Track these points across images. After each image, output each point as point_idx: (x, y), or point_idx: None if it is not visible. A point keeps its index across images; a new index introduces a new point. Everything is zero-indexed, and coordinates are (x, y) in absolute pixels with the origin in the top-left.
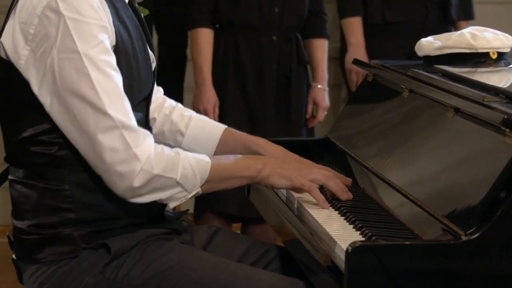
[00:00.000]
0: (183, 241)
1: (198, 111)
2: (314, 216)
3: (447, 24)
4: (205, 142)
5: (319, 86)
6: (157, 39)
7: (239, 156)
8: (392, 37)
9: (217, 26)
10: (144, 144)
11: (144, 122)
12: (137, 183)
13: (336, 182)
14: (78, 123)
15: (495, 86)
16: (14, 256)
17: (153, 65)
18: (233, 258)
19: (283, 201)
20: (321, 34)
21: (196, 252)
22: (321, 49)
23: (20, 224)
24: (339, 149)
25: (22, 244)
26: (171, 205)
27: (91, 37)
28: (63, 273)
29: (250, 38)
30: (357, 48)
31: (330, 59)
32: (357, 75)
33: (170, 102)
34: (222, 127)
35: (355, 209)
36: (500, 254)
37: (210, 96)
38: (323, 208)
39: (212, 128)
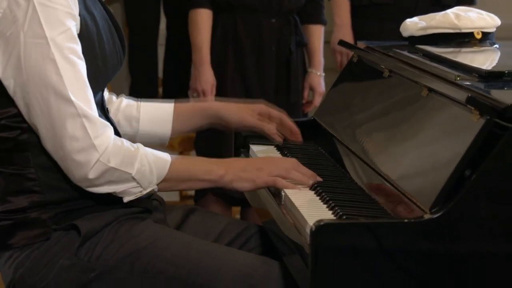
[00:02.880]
0: (155, 220)
1: (196, 91)
2: (289, 196)
3: (441, 9)
4: (160, 120)
5: (315, 72)
6: (165, 21)
7: (203, 159)
8: (380, 19)
9: (216, 7)
10: (104, 135)
11: (101, 105)
12: (92, 174)
13: (300, 171)
14: (40, 108)
15: (469, 65)
16: None
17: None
18: (210, 238)
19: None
20: (318, 20)
21: (169, 231)
22: (317, 35)
23: None
24: (324, 130)
25: None
26: (125, 199)
27: (59, 24)
28: (36, 256)
29: (249, 20)
30: (342, 28)
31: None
32: (341, 55)
33: (116, 97)
34: (171, 102)
35: (332, 189)
36: (464, 233)
37: (208, 76)
38: (295, 189)
39: (163, 106)
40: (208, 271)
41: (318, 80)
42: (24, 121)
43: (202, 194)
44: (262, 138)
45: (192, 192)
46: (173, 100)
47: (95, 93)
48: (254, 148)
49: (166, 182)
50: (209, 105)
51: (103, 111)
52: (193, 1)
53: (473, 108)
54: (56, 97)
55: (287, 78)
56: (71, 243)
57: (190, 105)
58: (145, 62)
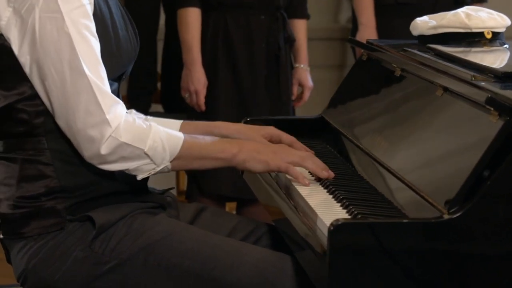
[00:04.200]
0: (169, 215)
1: (188, 91)
2: (301, 194)
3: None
4: None
5: (302, 66)
6: (165, 17)
7: (216, 138)
8: (403, 18)
9: (206, 6)
10: (117, 111)
11: (117, 92)
12: (104, 150)
13: (314, 162)
14: (54, 82)
15: (484, 65)
16: (0, 235)
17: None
18: (220, 235)
19: (273, 178)
20: (302, 15)
21: (182, 225)
22: (302, 29)
23: (4, 198)
24: (333, 128)
25: (8, 220)
26: (139, 176)
27: None
28: (50, 247)
29: (239, 17)
30: (368, 28)
31: (333, 39)
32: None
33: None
34: (179, 120)
35: (344, 187)
36: (483, 233)
37: (200, 75)
38: (303, 184)
39: (170, 122)
40: (223, 265)
41: (306, 74)
42: (38, 104)
43: (194, 193)
44: None
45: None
46: (181, 120)
47: (109, 80)
48: None
49: (179, 159)
50: (216, 126)
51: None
52: (182, 0)
53: (492, 109)
54: (71, 70)
55: (277, 75)
56: (86, 235)
57: (196, 124)
58: (144, 57)
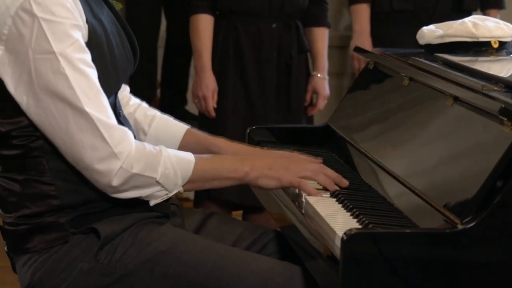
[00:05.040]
0: (174, 225)
1: (197, 97)
2: (311, 203)
3: (462, 14)
4: (166, 141)
5: (319, 75)
6: (166, 24)
7: (227, 156)
8: (400, 25)
9: (217, 13)
10: (124, 142)
11: (113, 109)
12: (115, 182)
13: (327, 174)
14: (57, 122)
15: (494, 75)
16: (5, 247)
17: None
18: (227, 242)
19: (282, 188)
20: (322, 23)
21: (188, 235)
22: (321, 38)
23: (7, 216)
24: (339, 136)
25: (11, 235)
26: (152, 202)
27: (66, 37)
28: (55, 259)
29: (250, 25)
30: (361, 35)
31: (332, 47)
32: (358, 62)
33: (135, 100)
34: (184, 127)
35: (353, 196)
36: (497, 243)
37: (210, 82)
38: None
39: (174, 129)
40: (229, 276)
41: (322, 83)
42: (36, 129)
43: (200, 200)
44: (276, 144)
45: (190, 195)
46: (187, 126)
47: (107, 97)
48: None
49: (191, 183)
50: (216, 144)
51: (115, 114)
52: (194, 7)
53: (505, 119)
54: (72, 110)
55: (288, 84)
56: (91, 247)
57: (199, 137)
58: (144, 64)
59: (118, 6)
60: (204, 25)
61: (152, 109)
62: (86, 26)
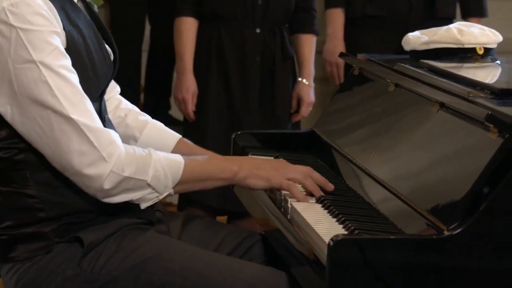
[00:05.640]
0: (158, 231)
1: (177, 99)
2: (297, 209)
3: (435, 21)
4: (158, 149)
5: (304, 81)
6: (150, 28)
7: (215, 157)
8: (372, 31)
9: (202, 17)
10: (112, 145)
11: (99, 110)
12: (107, 185)
13: (314, 178)
14: (42, 130)
15: (480, 82)
16: None
17: (112, 57)
18: (211, 246)
19: (267, 193)
20: (309, 30)
21: (173, 242)
22: (308, 45)
23: None
24: (325, 142)
25: None
26: (142, 205)
27: (45, 44)
28: (39, 267)
29: (233, 30)
30: (333, 39)
31: (318, 52)
32: (331, 66)
33: (126, 104)
34: (177, 136)
35: (339, 202)
36: (482, 250)
37: (190, 84)
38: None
39: (166, 137)
40: (214, 283)
41: (307, 90)
42: (19, 142)
43: (184, 205)
44: (261, 149)
45: (174, 200)
46: (179, 136)
47: (92, 101)
48: None
49: (182, 184)
50: (208, 154)
51: (100, 119)
52: (178, 10)
53: (491, 125)
54: (57, 117)
55: (272, 89)
56: (74, 254)
57: (190, 148)
58: (128, 68)
59: (98, 3)
60: (187, 28)
61: (143, 114)
62: (63, 33)
